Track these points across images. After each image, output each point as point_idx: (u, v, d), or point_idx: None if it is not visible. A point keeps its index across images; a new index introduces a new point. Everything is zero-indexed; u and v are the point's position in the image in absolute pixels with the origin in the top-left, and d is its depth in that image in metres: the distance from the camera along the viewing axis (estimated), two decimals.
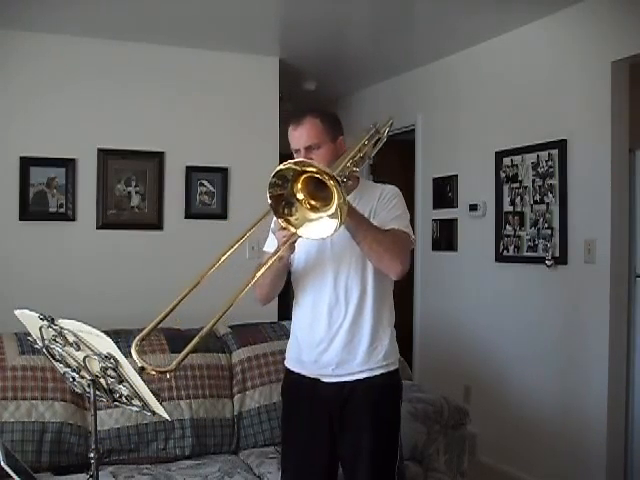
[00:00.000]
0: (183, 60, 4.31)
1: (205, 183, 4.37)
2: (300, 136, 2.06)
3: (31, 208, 3.94)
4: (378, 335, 2.08)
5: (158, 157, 4.25)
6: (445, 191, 4.53)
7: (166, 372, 1.60)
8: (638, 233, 3.48)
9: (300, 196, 1.73)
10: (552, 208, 3.68)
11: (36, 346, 1.82)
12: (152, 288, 4.14)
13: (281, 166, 1.68)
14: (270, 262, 1.85)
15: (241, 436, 3.05)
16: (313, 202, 1.73)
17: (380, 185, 2.20)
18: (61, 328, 1.65)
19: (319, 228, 1.73)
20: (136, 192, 4.20)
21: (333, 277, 2.07)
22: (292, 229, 1.75)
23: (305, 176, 1.70)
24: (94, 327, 1.62)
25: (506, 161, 4.00)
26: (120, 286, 4.10)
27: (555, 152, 3.65)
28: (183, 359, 1.61)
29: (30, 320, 1.74)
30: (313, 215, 1.73)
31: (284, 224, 1.75)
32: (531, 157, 3.82)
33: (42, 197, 3.97)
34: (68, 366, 1.79)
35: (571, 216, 3.58)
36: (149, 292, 4.13)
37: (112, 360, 1.62)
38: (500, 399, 4.04)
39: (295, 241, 1.87)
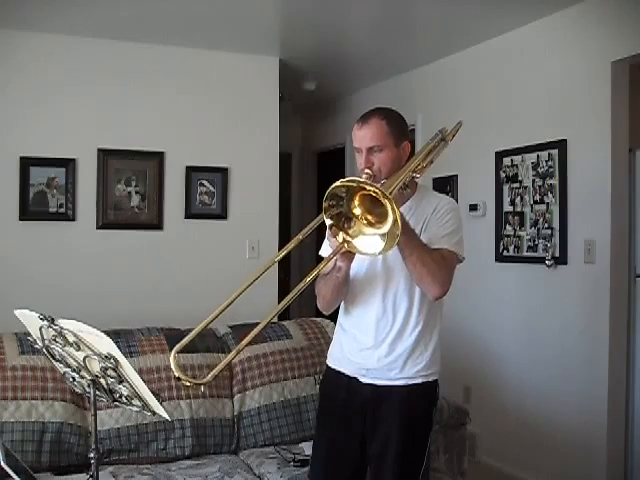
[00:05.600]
0: (183, 60, 4.31)
1: (205, 183, 4.37)
2: (364, 136, 2.03)
3: (31, 208, 3.95)
4: (421, 348, 2.09)
5: (158, 157, 4.25)
6: (445, 191, 4.52)
7: (201, 384, 1.69)
8: (638, 233, 3.48)
9: (357, 212, 1.73)
10: (552, 208, 3.68)
11: (36, 346, 1.82)
12: (152, 288, 4.15)
13: (334, 185, 1.67)
14: (322, 266, 1.86)
15: (241, 436, 3.05)
16: (369, 217, 1.72)
17: (438, 196, 2.21)
18: (61, 328, 1.65)
19: (371, 243, 1.73)
20: (136, 192, 4.20)
21: (382, 290, 2.08)
22: (347, 238, 1.74)
23: (361, 192, 1.69)
24: (94, 327, 1.62)
25: (506, 161, 4.00)
26: (120, 286, 4.10)
27: (555, 152, 3.65)
28: (221, 370, 1.71)
29: (30, 320, 1.74)
30: (368, 230, 1.72)
31: (346, 238, 1.74)
32: (531, 157, 3.82)
33: (42, 197, 3.97)
34: (68, 366, 1.79)
35: (571, 216, 3.58)
36: (149, 292, 4.14)
37: (112, 360, 1.62)
38: (500, 399, 4.04)
39: (350, 251, 1.86)
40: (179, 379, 1.67)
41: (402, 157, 2.07)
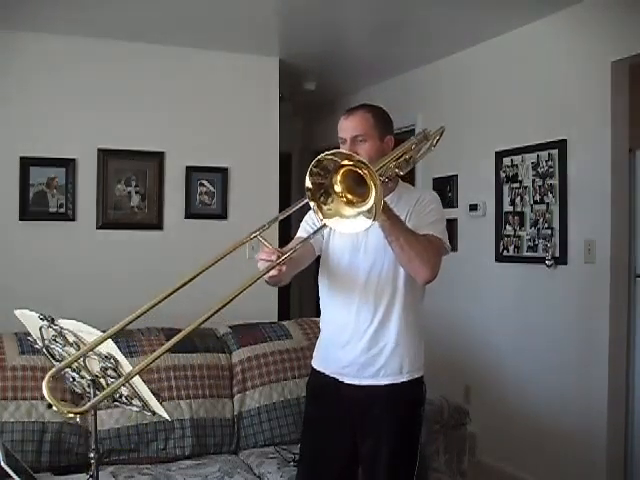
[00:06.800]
0: (183, 60, 4.31)
1: (205, 183, 4.37)
2: (349, 126, 2.08)
3: (31, 208, 3.95)
4: (404, 341, 2.08)
5: (158, 157, 4.25)
6: (445, 191, 4.53)
7: (79, 413, 1.49)
8: (638, 233, 3.48)
9: (338, 188, 1.72)
10: (552, 208, 3.68)
11: (36, 346, 1.82)
12: (152, 288, 4.14)
13: (323, 155, 1.67)
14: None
15: (241, 436, 3.05)
16: (350, 196, 1.72)
17: (419, 190, 2.27)
18: (61, 328, 1.65)
19: (350, 223, 1.72)
20: (136, 192, 4.20)
21: (364, 279, 2.07)
22: (320, 216, 1.73)
23: (345, 169, 1.69)
24: (94, 327, 1.62)
25: (506, 161, 4.00)
26: (120, 286, 4.09)
27: (555, 152, 3.65)
28: (102, 400, 1.51)
29: (30, 320, 1.74)
30: (347, 209, 1.72)
31: (316, 209, 1.73)
32: (531, 157, 3.82)
33: (42, 197, 3.97)
34: (68, 366, 1.79)
35: (571, 216, 3.58)
36: (149, 292, 4.13)
37: (112, 360, 1.62)
38: (500, 399, 4.04)
39: (282, 262, 1.82)
40: (50, 406, 1.43)
41: (385, 151, 2.08)
